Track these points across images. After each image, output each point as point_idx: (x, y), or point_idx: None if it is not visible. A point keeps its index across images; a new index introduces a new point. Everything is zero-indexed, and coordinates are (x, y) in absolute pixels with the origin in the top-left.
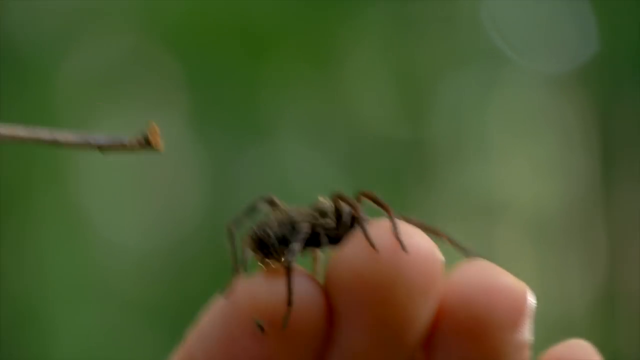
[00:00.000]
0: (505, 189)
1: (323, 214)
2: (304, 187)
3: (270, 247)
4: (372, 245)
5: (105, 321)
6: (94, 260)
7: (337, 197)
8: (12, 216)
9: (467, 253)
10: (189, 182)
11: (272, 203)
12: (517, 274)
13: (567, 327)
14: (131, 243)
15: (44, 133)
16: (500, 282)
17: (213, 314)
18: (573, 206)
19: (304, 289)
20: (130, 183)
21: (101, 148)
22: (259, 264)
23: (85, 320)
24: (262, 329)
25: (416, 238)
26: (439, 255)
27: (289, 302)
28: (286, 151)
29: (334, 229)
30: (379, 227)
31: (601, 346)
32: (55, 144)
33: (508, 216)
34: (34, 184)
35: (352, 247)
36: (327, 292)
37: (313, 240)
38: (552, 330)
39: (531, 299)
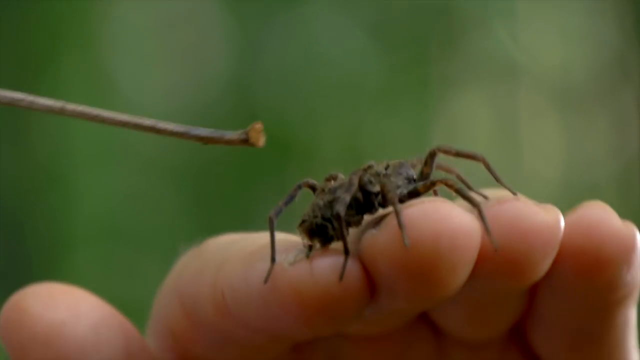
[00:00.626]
0: (532, 54)
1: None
2: (332, 52)
3: (323, 229)
4: (403, 239)
5: (128, 183)
6: None
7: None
8: (42, 80)
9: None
10: (216, 46)
11: (312, 188)
12: (542, 139)
13: (594, 194)
14: (156, 105)
15: (147, 121)
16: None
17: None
18: (602, 72)
19: (348, 269)
20: (158, 45)
21: (202, 140)
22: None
23: (109, 182)
24: None
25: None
26: (476, 234)
27: (341, 276)
28: (314, 16)
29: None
30: (416, 212)
31: (628, 213)
32: (156, 132)
33: (534, 81)
34: (63, 47)
35: (388, 234)
36: (366, 268)
37: (365, 206)
38: (577, 197)
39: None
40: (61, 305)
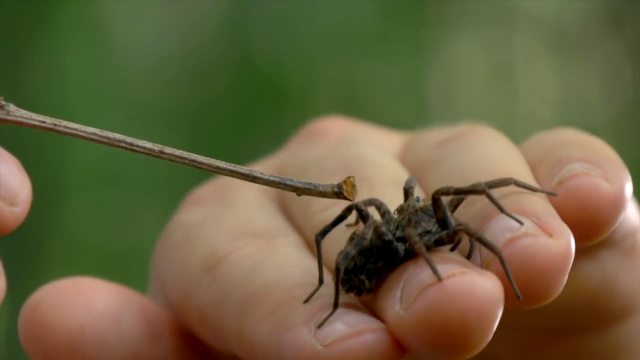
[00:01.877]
0: None
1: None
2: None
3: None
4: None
5: (123, 128)
6: (113, 66)
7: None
8: (41, 29)
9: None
10: None
11: (360, 212)
12: (538, 83)
13: None
14: (149, 48)
15: (243, 169)
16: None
17: None
18: (597, 17)
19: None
20: None
21: (296, 190)
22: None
23: (104, 127)
24: None
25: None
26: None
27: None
28: None
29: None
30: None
31: (625, 157)
32: (252, 180)
33: (530, 25)
34: None
35: (414, 316)
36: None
37: (386, 252)
38: None
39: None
40: (76, 308)
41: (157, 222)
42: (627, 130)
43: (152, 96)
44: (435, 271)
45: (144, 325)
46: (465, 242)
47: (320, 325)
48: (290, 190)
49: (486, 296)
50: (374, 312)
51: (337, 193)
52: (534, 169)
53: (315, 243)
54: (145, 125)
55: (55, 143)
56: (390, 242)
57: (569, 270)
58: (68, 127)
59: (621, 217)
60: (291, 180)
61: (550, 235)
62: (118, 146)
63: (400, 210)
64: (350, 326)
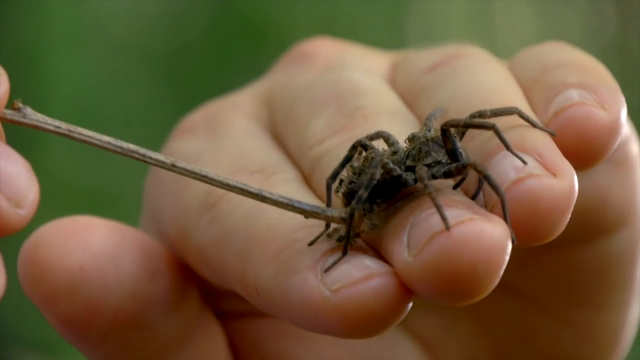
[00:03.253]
0: None
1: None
2: None
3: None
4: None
5: (102, 66)
6: (93, 5)
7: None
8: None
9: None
10: None
11: (365, 147)
12: (518, 22)
13: None
14: (137, 37)
15: (253, 189)
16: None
17: None
18: None
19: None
20: None
21: (304, 213)
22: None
23: (83, 65)
24: None
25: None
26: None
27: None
28: None
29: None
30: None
31: None
32: (261, 200)
33: None
34: None
35: (423, 263)
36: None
37: (395, 186)
38: None
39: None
40: (75, 248)
41: (132, 161)
42: (609, 69)
43: (131, 35)
44: (444, 219)
45: (142, 262)
46: (472, 180)
47: (327, 269)
48: (298, 213)
49: (495, 243)
50: (379, 253)
51: (345, 220)
52: (527, 92)
53: (327, 187)
54: (124, 64)
55: (34, 78)
56: (399, 177)
57: (572, 208)
58: (82, 134)
59: (617, 143)
60: (299, 202)
61: (554, 175)
62: (131, 156)
63: (411, 139)
64: (358, 271)
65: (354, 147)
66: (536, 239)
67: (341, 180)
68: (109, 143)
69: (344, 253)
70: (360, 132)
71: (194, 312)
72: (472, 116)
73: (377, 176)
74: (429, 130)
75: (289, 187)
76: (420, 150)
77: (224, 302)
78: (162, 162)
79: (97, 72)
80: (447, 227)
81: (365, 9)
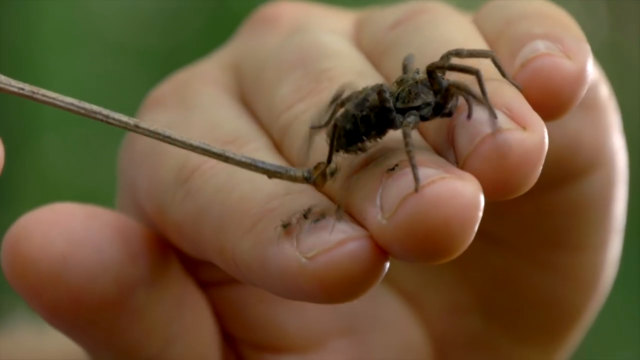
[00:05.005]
0: None
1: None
2: None
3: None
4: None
5: (96, 67)
6: (88, 5)
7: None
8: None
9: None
10: None
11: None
12: None
13: None
14: (131, 36)
15: (215, 149)
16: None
17: None
18: None
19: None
20: None
21: (267, 173)
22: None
23: (77, 65)
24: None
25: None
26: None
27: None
28: None
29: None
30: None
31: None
32: (224, 160)
33: None
34: None
35: (396, 226)
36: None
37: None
38: None
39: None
40: (57, 238)
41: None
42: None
43: (125, 34)
44: (416, 180)
45: (123, 245)
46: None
47: (306, 215)
48: (261, 173)
49: (467, 201)
50: (352, 217)
51: (307, 178)
52: (492, 46)
53: (308, 136)
54: (118, 64)
55: (27, 78)
56: (390, 110)
57: (543, 161)
58: (46, 96)
59: (584, 93)
60: (262, 162)
61: (524, 129)
62: (95, 118)
63: (399, 82)
64: (332, 236)
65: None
66: (508, 192)
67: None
68: (72, 104)
69: (328, 161)
70: (327, 96)
71: (178, 288)
72: (449, 54)
73: (371, 97)
74: (417, 73)
75: (261, 155)
76: (409, 92)
77: (206, 272)
78: (125, 122)
79: (91, 71)
80: (416, 189)
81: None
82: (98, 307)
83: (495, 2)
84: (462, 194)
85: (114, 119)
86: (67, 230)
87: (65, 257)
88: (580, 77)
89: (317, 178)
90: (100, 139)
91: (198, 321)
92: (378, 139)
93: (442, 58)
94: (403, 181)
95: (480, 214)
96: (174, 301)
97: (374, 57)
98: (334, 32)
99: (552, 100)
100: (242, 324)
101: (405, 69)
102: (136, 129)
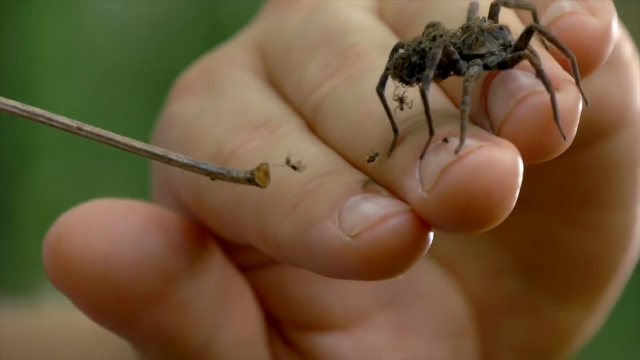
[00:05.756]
0: None
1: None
2: None
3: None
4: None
5: (90, 92)
6: (83, 31)
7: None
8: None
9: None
10: None
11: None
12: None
13: None
14: (119, 13)
15: (159, 150)
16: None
17: None
18: None
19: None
20: None
21: (209, 174)
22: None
23: (72, 91)
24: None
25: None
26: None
27: (430, 131)
28: None
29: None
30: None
31: None
32: (167, 162)
33: None
34: None
35: (438, 200)
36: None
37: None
38: None
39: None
40: (97, 235)
41: (121, 188)
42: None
43: (121, 61)
44: (461, 141)
45: (164, 238)
46: None
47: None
48: (204, 175)
49: (506, 168)
50: (393, 191)
51: (249, 179)
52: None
53: (379, 96)
54: (113, 90)
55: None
56: (456, 62)
57: (578, 120)
58: None
59: (610, 50)
60: (205, 164)
61: (557, 89)
62: (37, 120)
63: (465, 28)
64: (374, 212)
65: (394, 50)
66: (547, 154)
67: (394, 51)
68: (14, 107)
69: (431, 133)
70: (356, 70)
71: (220, 275)
72: (498, 3)
73: (439, 56)
74: (484, 21)
75: (295, 137)
76: (477, 39)
77: (245, 255)
78: (68, 125)
79: (86, 98)
80: (456, 151)
81: None
82: (143, 301)
83: None
84: (501, 162)
85: (56, 121)
86: (106, 227)
87: (107, 254)
88: (606, 34)
89: (260, 178)
90: (94, 166)
91: (242, 307)
92: (438, 82)
93: (492, 7)
94: (442, 153)
95: (520, 180)
96: (218, 290)
97: (398, 27)
98: (356, 5)
99: (580, 58)
100: (284, 305)
101: (469, 15)
102: (79, 131)
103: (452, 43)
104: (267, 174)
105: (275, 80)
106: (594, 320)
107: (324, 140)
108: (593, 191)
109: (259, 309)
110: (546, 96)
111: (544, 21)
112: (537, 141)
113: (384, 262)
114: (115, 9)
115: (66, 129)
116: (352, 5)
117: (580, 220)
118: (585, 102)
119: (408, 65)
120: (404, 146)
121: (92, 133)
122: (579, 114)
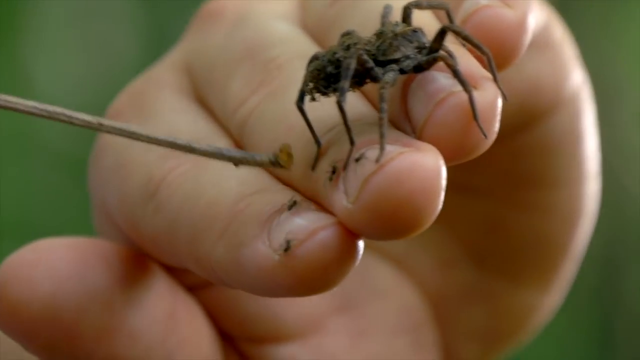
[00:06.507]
0: None
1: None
2: None
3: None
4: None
5: (33, 176)
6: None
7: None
8: None
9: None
10: (125, 37)
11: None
12: None
13: None
14: (70, 96)
15: (181, 141)
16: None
17: None
18: None
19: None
20: (70, 37)
21: (233, 160)
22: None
23: (21, 177)
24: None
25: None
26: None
27: (351, 142)
28: None
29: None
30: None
31: None
32: (190, 151)
33: None
34: None
35: (363, 210)
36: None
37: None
38: None
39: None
40: (42, 278)
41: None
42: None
43: (65, 147)
44: (382, 148)
45: (108, 271)
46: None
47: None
48: (227, 161)
49: (429, 172)
50: (319, 204)
51: (273, 162)
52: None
53: (299, 110)
54: (60, 176)
55: None
56: (371, 69)
57: (499, 117)
58: (7, 101)
59: (528, 40)
60: (228, 150)
61: (475, 87)
62: (57, 119)
63: (379, 34)
64: (302, 228)
65: (314, 58)
66: (468, 154)
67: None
68: (34, 107)
69: (352, 143)
70: (277, 84)
71: (168, 300)
72: (410, 5)
73: (353, 65)
74: (397, 25)
75: None
76: (390, 44)
77: (193, 276)
78: (88, 122)
79: (35, 184)
80: (377, 160)
81: None
82: (94, 337)
83: None
84: (423, 166)
85: (77, 118)
86: (50, 267)
87: (53, 294)
88: (521, 25)
89: (284, 160)
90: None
91: (194, 329)
92: (355, 90)
93: (404, 10)
94: (363, 163)
95: (444, 182)
96: (167, 315)
97: (319, 35)
98: (277, 17)
99: (497, 51)
100: (237, 321)
101: (383, 20)
102: (100, 127)
103: (366, 50)
104: (290, 155)
105: (203, 99)
106: (551, 301)
107: None
108: (536, 173)
109: (212, 328)
110: (464, 96)
111: (460, 17)
112: (459, 141)
113: (315, 277)
114: (67, 91)
115: (87, 125)
116: (274, 16)
117: (527, 203)
118: (504, 97)
119: (324, 76)
120: (326, 158)
121: (113, 128)
122: (499, 110)
